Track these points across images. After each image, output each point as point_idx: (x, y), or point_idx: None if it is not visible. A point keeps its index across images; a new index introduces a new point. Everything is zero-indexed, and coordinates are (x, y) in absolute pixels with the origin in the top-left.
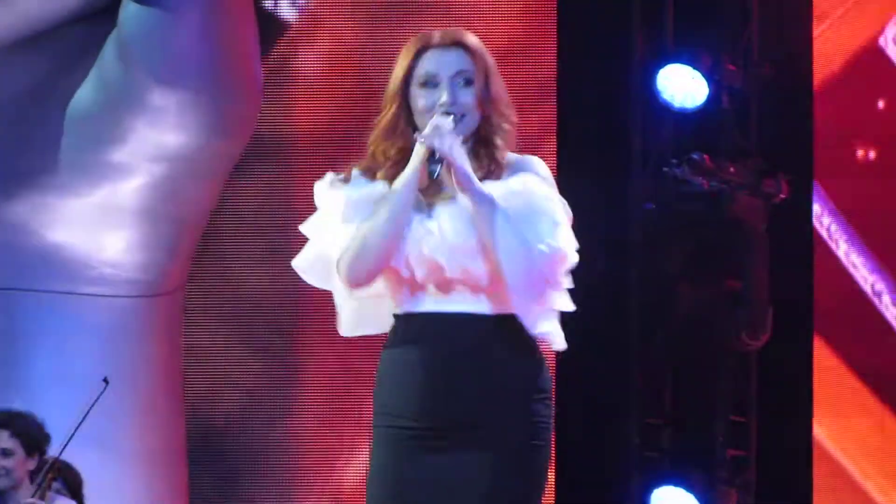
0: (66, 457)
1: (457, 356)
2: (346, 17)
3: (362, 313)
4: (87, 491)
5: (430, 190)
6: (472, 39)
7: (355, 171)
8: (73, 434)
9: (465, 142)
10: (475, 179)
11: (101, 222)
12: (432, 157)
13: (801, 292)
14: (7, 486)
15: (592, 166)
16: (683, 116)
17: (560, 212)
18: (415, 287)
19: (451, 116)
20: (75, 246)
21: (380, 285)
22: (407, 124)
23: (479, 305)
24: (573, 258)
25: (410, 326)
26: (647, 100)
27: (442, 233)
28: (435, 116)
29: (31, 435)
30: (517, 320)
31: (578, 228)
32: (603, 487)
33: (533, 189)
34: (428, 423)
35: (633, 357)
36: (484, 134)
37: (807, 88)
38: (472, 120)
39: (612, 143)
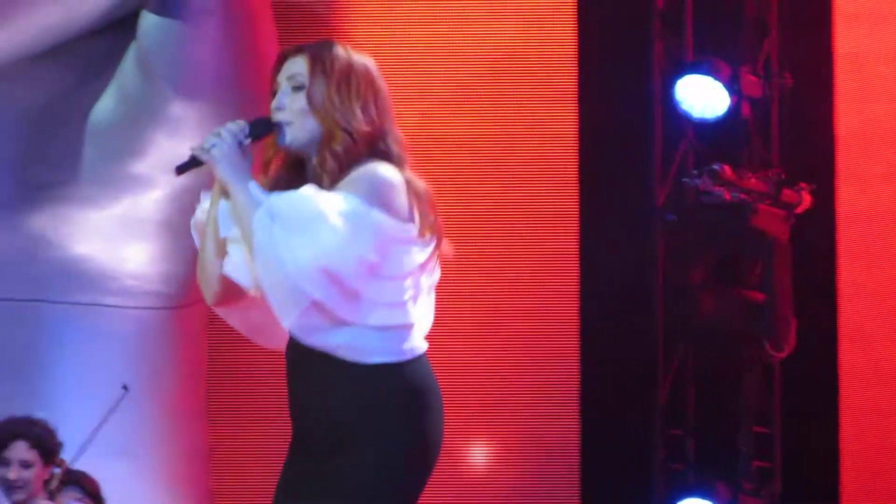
0: (87, 466)
1: (294, 378)
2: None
3: None
4: (109, 501)
5: None
6: (318, 46)
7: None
8: (89, 440)
9: (311, 149)
10: (239, 181)
11: (122, 234)
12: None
13: (826, 302)
14: (23, 498)
15: (613, 178)
16: (703, 127)
17: (344, 229)
18: None
19: (243, 122)
20: (97, 258)
21: None
22: None
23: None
24: (347, 267)
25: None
26: (666, 110)
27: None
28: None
29: (48, 444)
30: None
31: (600, 239)
32: (627, 499)
33: (308, 203)
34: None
35: (656, 368)
36: (322, 142)
37: (828, 97)
38: (306, 126)
39: (633, 155)
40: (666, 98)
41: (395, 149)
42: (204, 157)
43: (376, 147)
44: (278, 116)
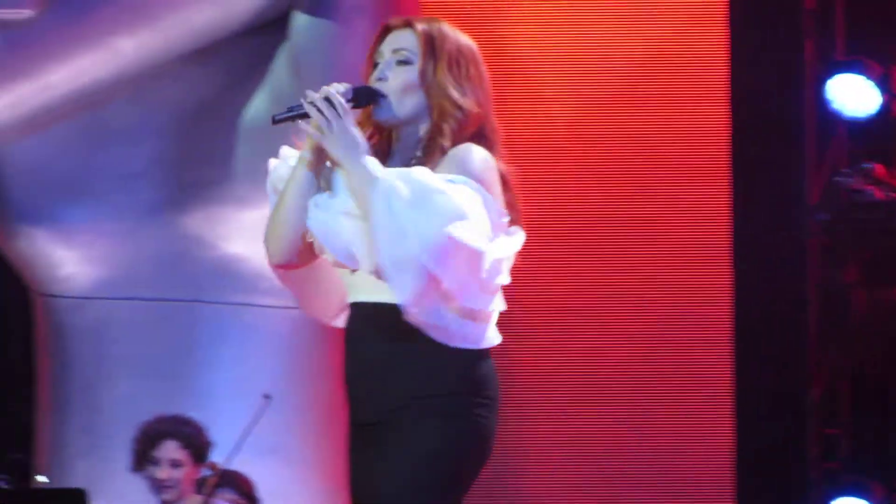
0: (240, 465)
1: (365, 349)
2: None
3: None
4: (264, 500)
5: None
6: (429, 22)
7: (283, 148)
8: (239, 445)
9: (406, 124)
10: (356, 155)
11: None
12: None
13: None
14: (173, 498)
15: (765, 176)
16: (855, 125)
17: (464, 205)
18: (341, 273)
19: (347, 85)
20: (252, 257)
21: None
22: None
23: (380, 294)
24: (478, 253)
25: (349, 315)
26: (818, 109)
27: (337, 219)
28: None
29: (199, 444)
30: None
31: (752, 237)
32: (782, 498)
33: (426, 179)
34: (357, 419)
35: (809, 367)
36: (434, 119)
37: None
38: (408, 101)
39: (785, 154)
40: (817, 97)
41: (493, 136)
42: (314, 115)
43: (481, 131)
44: (378, 86)
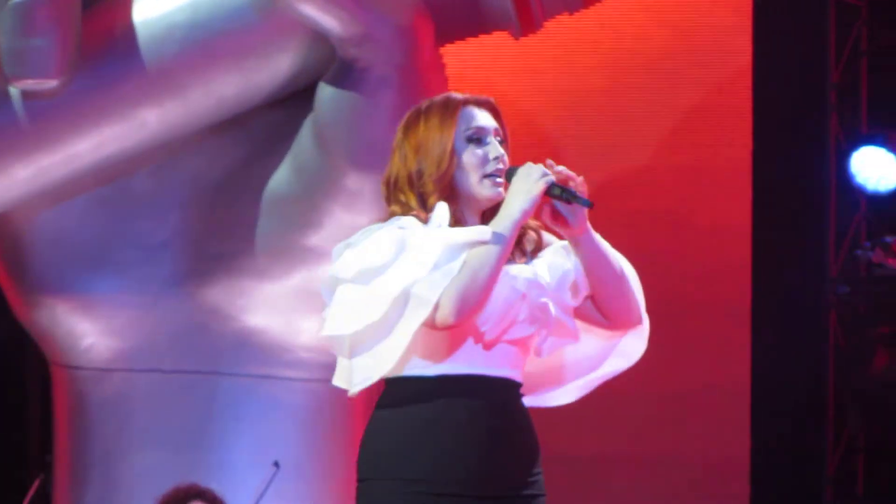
0: None
1: (501, 422)
2: None
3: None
4: None
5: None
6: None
7: (410, 219)
8: None
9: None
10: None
11: (297, 306)
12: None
13: None
14: None
15: (788, 248)
16: (877, 199)
17: None
18: (466, 345)
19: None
20: (272, 330)
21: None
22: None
23: (517, 371)
24: None
25: (446, 386)
26: (841, 182)
27: (545, 290)
28: (528, 165)
29: None
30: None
31: (774, 307)
32: None
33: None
34: (479, 492)
35: (826, 439)
36: None
37: None
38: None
39: (807, 226)
40: (840, 170)
41: None
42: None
43: None
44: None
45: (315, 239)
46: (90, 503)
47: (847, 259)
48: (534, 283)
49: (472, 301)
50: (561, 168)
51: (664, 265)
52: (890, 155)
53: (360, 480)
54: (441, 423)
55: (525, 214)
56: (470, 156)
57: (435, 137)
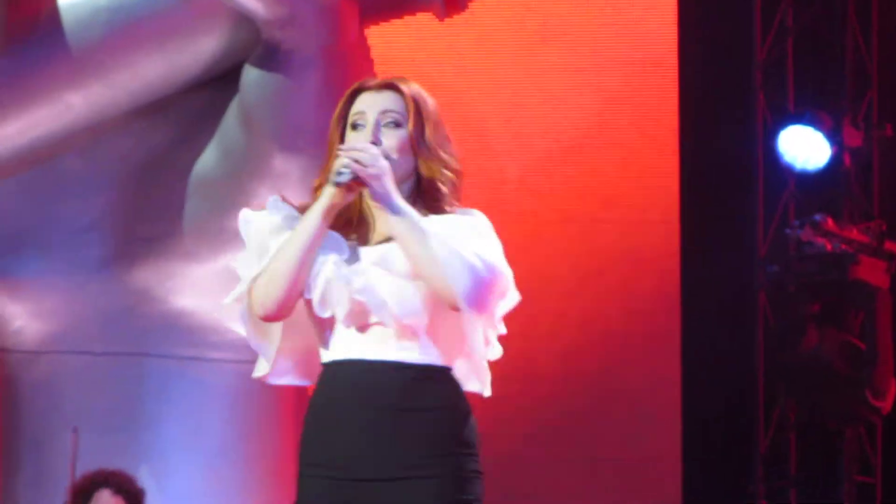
0: None
1: (383, 406)
2: None
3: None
4: None
5: (360, 231)
6: (408, 84)
7: (273, 199)
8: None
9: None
10: (397, 196)
11: (225, 288)
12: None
13: None
14: None
15: (715, 228)
16: (805, 177)
17: (498, 245)
18: (338, 331)
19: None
20: (201, 311)
21: (304, 333)
22: None
23: (407, 353)
24: (512, 293)
25: (336, 374)
26: (768, 161)
27: (369, 272)
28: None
29: (132, 489)
30: (444, 371)
31: (703, 289)
32: None
33: (468, 221)
34: (355, 475)
35: (757, 419)
36: (425, 179)
37: None
38: (402, 163)
39: (735, 205)
40: (768, 149)
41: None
42: (371, 172)
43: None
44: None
45: None
46: (22, 486)
47: (776, 238)
48: (358, 268)
49: (268, 291)
50: (349, 148)
51: (592, 246)
52: (817, 133)
53: None
54: (325, 407)
55: (324, 210)
56: (346, 144)
57: (330, 127)
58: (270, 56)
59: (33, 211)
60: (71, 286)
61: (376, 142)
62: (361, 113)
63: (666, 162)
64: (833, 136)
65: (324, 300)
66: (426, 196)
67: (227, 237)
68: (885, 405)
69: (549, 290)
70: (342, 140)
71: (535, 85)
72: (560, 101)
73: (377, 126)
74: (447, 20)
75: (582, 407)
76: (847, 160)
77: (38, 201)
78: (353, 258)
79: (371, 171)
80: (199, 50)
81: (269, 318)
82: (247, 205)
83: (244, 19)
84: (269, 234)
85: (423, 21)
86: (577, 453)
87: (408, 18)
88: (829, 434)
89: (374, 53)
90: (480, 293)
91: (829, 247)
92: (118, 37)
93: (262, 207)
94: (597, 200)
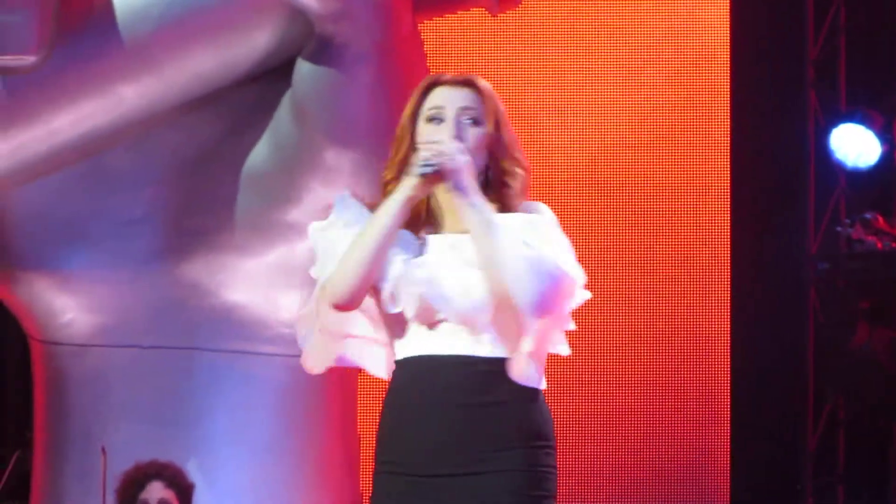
0: None
1: (456, 401)
2: None
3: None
4: None
5: (428, 229)
6: (482, 82)
7: (340, 196)
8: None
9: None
10: (476, 191)
11: (276, 282)
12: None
13: None
14: None
15: (766, 226)
16: (856, 175)
17: (567, 244)
18: (410, 328)
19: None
20: (252, 305)
21: (368, 327)
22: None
23: (477, 347)
24: (581, 292)
25: (409, 371)
26: (820, 159)
27: (433, 265)
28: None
29: (183, 484)
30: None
31: (753, 286)
32: None
33: (539, 220)
34: (432, 472)
35: (806, 416)
36: (496, 177)
37: None
38: (478, 160)
39: (786, 203)
40: (819, 147)
41: None
42: (448, 166)
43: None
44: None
45: (294, 214)
46: (68, 479)
47: (826, 236)
48: (424, 261)
49: (344, 287)
50: (432, 141)
51: (641, 243)
52: (868, 132)
53: None
54: (400, 405)
55: (407, 189)
56: (421, 137)
57: (402, 121)
58: (323, 51)
59: (83, 204)
60: (120, 279)
61: (459, 137)
62: (440, 108)
63: (717, 159)
64: (884, 134)
65: (393, 297)
66: (496, 192)
67: (279, 231)
68: None
69: (598, 287)
70: (414, 134)
71: (587, 80)
72: (612, 96)
73: (458, 122)
74: (500, 15)
75: (630, 406)
76: None
77: (89, 194)
78: (421, 253)
79: (454, 164)
80: (251, 44)
81: (340, 307)
82: (298, 199)
83: (297, 14)
84: (341, 230)
85: (476, 16)
86: (625, 454)
87: (461, 13)
88: (878, 431)
89: (427, 49)
90: (543, 303)
91: (879, 245)
92: (171, 30)
93: (329, 212)
94: (647, 197)
